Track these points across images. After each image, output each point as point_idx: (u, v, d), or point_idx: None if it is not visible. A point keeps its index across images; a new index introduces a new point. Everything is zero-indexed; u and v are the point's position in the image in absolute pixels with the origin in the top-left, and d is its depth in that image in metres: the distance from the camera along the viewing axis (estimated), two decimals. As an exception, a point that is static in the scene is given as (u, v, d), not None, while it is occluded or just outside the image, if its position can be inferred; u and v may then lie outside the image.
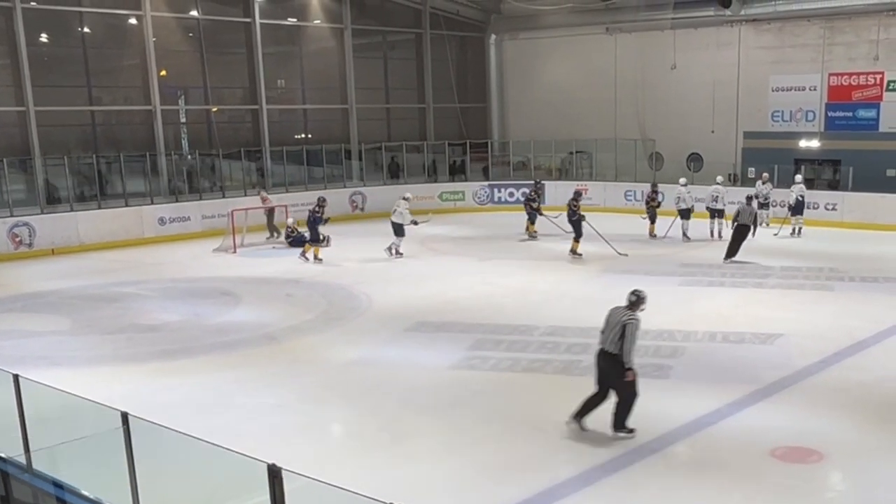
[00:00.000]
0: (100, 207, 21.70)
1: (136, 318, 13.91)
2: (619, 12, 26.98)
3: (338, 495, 4.19)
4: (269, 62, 26.36)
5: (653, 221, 20.50)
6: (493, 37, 30.54)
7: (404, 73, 30.48)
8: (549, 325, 12.60)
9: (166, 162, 24.02)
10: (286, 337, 12.47)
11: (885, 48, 22.84)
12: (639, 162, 26.71)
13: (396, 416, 9.20)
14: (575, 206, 18.44)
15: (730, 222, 18.13)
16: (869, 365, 10.53)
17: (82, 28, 23.30)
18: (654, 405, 8.69)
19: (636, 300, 8.31)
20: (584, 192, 22.80)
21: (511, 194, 27.14)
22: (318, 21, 27.76)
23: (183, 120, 25.50)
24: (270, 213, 21.54)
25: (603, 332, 8.34)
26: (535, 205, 20.95)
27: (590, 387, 8.44)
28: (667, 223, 20.19)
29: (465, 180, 28.08)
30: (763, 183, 21.72)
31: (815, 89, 24.25)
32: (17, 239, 19.82)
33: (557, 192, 24.61)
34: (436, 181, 27.95)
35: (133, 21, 23.67)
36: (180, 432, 5.36)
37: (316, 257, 18.35)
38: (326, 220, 18.74)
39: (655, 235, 20.42)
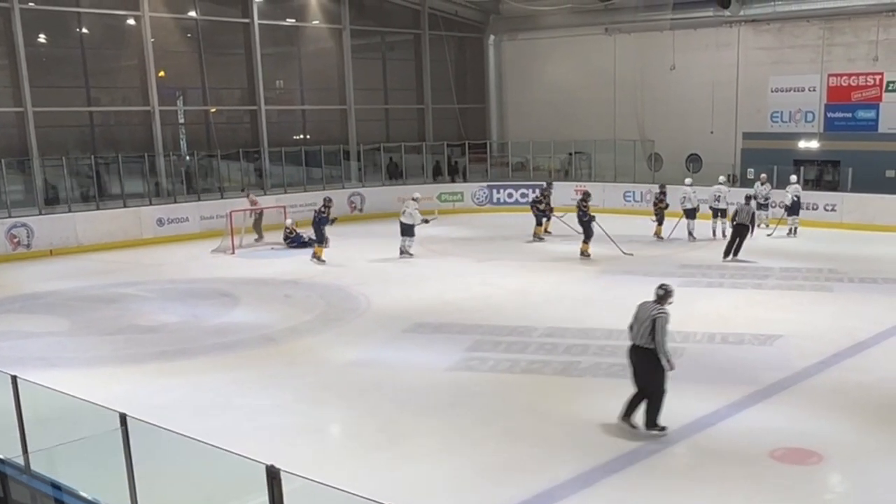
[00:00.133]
0: (98, 208, 21.68)
1: (134, 319, 13.89)
2: (619, 13, 26.97)
3: (336, 496, 4.17)
4: (268, 63, 26.35)
5: (660, 223, 20.53)
6: (492, 37, 30.55)
7: (403, 74, 30.46)
8: (547, 326, 12.58)
9: (165, 163, 23.99)
10: (285, 338, 12.45)
11: (885, 49, 22.84)
12: (638, 163, 26.70)
13: (395, 417, 9.18)
14: (585, 206, 18.40)
15: (730, 222, 18.22)
16: (868, 366, 10.52)
17: (80, 29, 23.28)
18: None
19: (664, 294, 8.33)
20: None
21: (510, 195, 27.15)
22: (317, 22, 27.75)
23: (181, 121, 25.49)
24: (259, 215, 21.47)
25: (632, 328, 8.38)
26: (541, 206, 20.97)
27: (589, 387, 8.47)
28: (672, 224, 20.26)
29: (464, 181, 28.05)
30: (762, 184, 21.74)
31: (814, 90, 24.25)
32: (16, 240, 19.79)
33: (557, 192, 24.52)
34: (434, 181, 27.94)
35: (131, 22, 23.66)
36: (179, 433, 5.34)
37: (316, 257, 18.34)
38: (333, 221, 18.80)
39: (662, 237, 20.45)
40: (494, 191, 27.41)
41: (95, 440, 5.97)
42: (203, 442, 5.05)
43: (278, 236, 20.75)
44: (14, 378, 6.38)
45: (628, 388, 8.46)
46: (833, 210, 22.18)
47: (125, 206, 21.92)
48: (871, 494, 7.23)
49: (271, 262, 18.78)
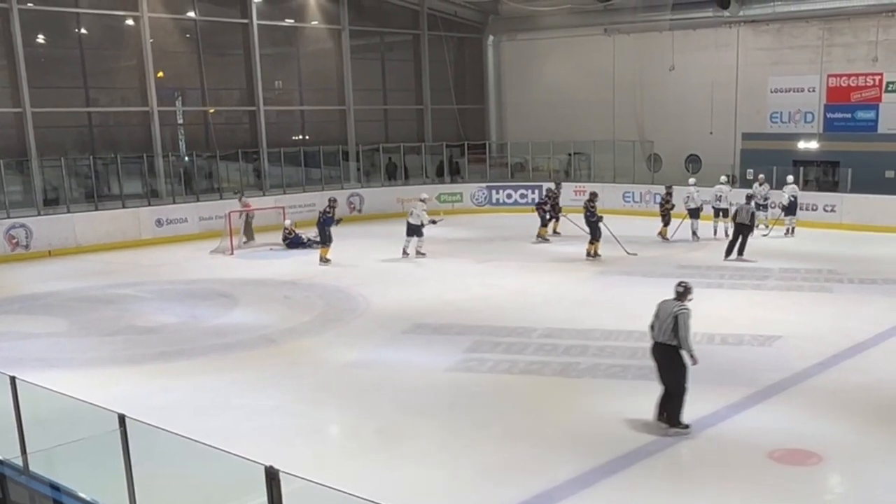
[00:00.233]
0: (97, 209, 21.66)
1: (133, 319, 13.88)
2: (618, 13, 26.97)
3: (336, 497, 4.16)
4: (267, 63, 26.33)
5: (666, 224, 20.54)
6: (491, 38, 30.54)
7: (402, 75, 30.45)
8: (547, 326, 12.57)
9: (163, 163, 23.97)
10: (284, 339, 12.44)
11: (884, 49, 22.84)
12: (637, 163, 26.69)
13: (394, 418, 9.18)
14: (592, 207, 18.36)
15: (731, 221, 18.29)
16: (868, 367, 10.51)
17: (79, 29, 23.26)
18: (653, 406, 8.65)
19: (683, 290, 8.52)
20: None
21: (509, 196, 27.14)
22: (316, 22, 27.74)
23: (180, 121, 25.47)
24: (250, 217, 21.34)
25: (653, 326, 8.50)
26: (546, 207, 20.98)
27: (589, 388, 8.46)
28: (676, 224, 20.31)
29: (463, 181, 28.05)
30: (760, 185, 21.74)
31: (813, 90, 24.24)
32: (14, 241, 19.77)
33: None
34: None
35: (130, 22, 23.63)
36: (177, 434, 5.34)
37: (322, 258, 18.33)
38: (338, 221, 18.82)
39: (667, 238, 20.45)
40: (493, 191, 27.40)
41: (94, 441, 5.97)
42: (202, 443, 5.05)
43: (277, 237, 20.73)
44: (13, 379, 6.37)
45: (628, 389, 8.48)
46: (832, 211, 22.19)
47: (124, 207, 21.90)
48: (870, 495, 7.23)
49: (270, 262, 18.77)
